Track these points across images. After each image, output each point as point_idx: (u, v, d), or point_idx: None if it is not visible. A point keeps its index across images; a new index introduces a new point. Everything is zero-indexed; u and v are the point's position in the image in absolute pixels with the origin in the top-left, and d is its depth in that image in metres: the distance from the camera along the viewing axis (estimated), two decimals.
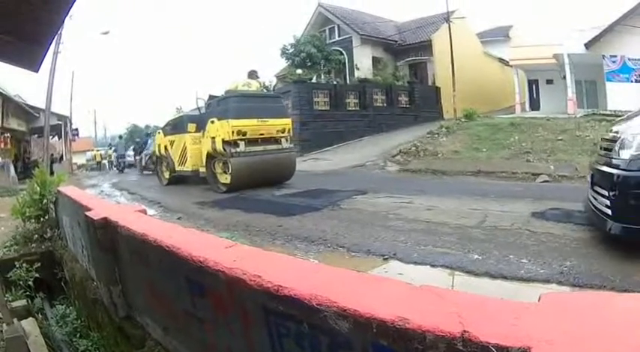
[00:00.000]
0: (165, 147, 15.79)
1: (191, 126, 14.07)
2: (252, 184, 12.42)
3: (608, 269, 4.16)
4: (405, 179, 13.72)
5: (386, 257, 4.99)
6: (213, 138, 12.45)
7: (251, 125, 12.60)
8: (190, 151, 14.26)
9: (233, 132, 12.16)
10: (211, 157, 13.07)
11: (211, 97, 14.20)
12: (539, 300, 1.70)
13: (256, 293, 2.18)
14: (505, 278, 4.09)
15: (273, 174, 13.12)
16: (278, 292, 2.03)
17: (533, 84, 34.87)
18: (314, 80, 32.97)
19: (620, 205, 4.58)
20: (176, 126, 15.21)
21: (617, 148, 4.92)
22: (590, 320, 1.45)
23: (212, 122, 12.64)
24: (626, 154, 4.68)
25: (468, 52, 35.61)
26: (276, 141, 13.42)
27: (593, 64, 26.29)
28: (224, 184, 12.64)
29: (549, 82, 33.26)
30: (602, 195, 4.94)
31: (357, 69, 35.85)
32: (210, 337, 2.94)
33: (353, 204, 8.64)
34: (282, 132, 13.53)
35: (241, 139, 12.37)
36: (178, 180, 15.29)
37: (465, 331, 1.43)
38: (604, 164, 5.17)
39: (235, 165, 12.10)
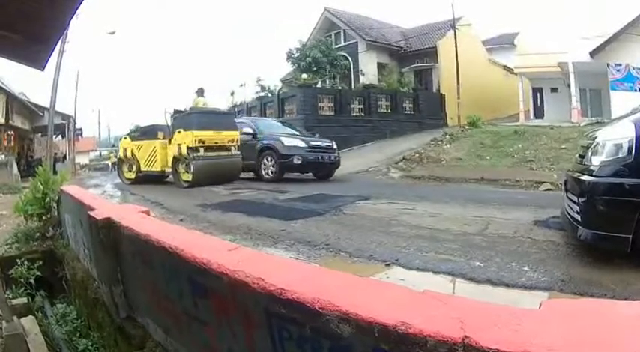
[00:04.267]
0: (132, 151, 18.10)
1: (160, 134, 16.96)
2: (209, 182, 14.92)
3: (608, 278, 4.14)
4: (408, 185, 13.67)
5: (388, 263, 4.96)
6: (179, 144, 15.21)
7: (208, 135, 15.46)
8: (159, 155, 16.82)
9: (195, 140, 15.00)
10: (176, 160, 15.71)
11: (176, 111, 16.74)
12: (540, 307, 1.71)
13: (259, 296, 2.19)
14: (506, 285, 4.06)
15: (224, 175, 15.84)
16: (281, 295, 2.04)
17: (537, 92, 34.82)
18: (319, 85, 32.97)
19: (589, 211, 4.56)
20: (146, 132, 18.15)
21: (589, 155, 4.91)
22: (591, 327, 1.47)
23: (179, 132, 15.34)
24: (596, 161, 4.67)
25: (473, 59, 35.59)
26: (227, 148, 16.25)
27: (597, 73, 26.29)
28: (186, 181, 15.28)
29: (554, 90, 33.24)
30: (573, 202, 4.94)
31: (363, 74, 35.77)
32: (211, 339, 2.95)
33: (356, 209, 8.58)
34: (232, 142, 16.35)
35: (201, 146, 15.17)
36: (144, 180, 17.45)
37: (465, 336, 1.44)
38: (577, 171, 5.17)
39: (196, 166, 14.94)
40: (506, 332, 1.45)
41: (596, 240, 4.53)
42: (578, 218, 4.73)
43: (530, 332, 1.44)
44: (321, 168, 16.30)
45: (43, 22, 4.64)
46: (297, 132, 17.75)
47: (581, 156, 5.35)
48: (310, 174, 16.54)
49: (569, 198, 5.18)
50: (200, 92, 18.31)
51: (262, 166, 15.89)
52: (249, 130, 16.75)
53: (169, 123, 16.55)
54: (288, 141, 15.54)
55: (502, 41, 46.70)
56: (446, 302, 1.76)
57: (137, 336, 4.28)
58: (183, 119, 16.14)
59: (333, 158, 16.34)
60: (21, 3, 4.25)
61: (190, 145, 15.01)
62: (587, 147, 5.07)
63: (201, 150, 15.22)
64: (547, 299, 1.96)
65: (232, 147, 16.50)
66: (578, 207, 4.75)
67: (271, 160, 15.55)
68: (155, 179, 17.21)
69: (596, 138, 4.97)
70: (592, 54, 26.64)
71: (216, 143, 15.80)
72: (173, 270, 3.23)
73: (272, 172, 15.47)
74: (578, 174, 4.96)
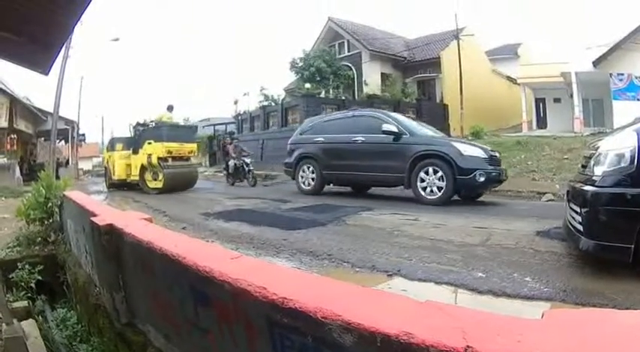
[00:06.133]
0: (107, 161, 20.87)
1: (118, 146, 19.26)
2: (175, 189, 16.76)
3: (610, 288, 4.13)
4: (411, 195, 13.58)
5: (390, 273, 4.94)
6: (150, 154, 16.95)
7: (175, 147, 17.40)
8: (117, 165, 18.89)
9: (165, 151, 16.92)
10: (143, 168, 17.43)
11: (139, 124, 18.79)
12: (542, 317, 1.71)
13: (261, 305, 2.19)
14: (508, 296, 4.06)
15: (186, 182, 17.81)
16: (283, 304, 2.04)
17: (540, 102, 34.90)
18: (322, 95, 33.21)
19: (591, 222, 4.57)
20: (112, 145, 20.36)
21: (591, 165, 4.91)
22: (593, 337, 1.46)
23: (149, 143, 17.12)
24: (599, 171, 4.67)
25: (476, 69, 35.68)
26: (187, 159, 18.57)
27: (600, 83, 26.34)
28: (155, 188, 17.03)
29: (556, 100, 33.30)
30: (576, 212, 4.92)
31: (366, 84, 35.96)
32: (212, 347, 2.94)
33: (358, 219, 8.54)
34: (191, 153, 18.80)
35: (169, 156, 17.09)
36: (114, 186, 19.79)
37: (468, 346, 1.43)
38: (579, 181, 5.16)
39: (167, 174, 16.70)
40: (509, 342, 1.45)
41: (598, 251, 4.53)
42: (581, 228, 4.73)
43: (532, 342, 1.44)
44: (488, 187, 11.91)
45: (48, 27, 4.67)
46: (441, 134, 14.17)
47: (584, 166, 5.37)
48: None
49: (572, 209, 5.17)
50: (170, 108, 19.42)
51: (419, 181, 11.17)
52: (392, 129, 11.94)
53: (134, 135, 18.80)
54: (465, 149, 11.00)
55: (505, 51, 46.93)
56: (448, 313, 1.76)
57: (138, 343, 4.27)
58: (154, 131, 17.81)
59: (505, 174, 12.34)
60: (27, 7, 4.27)
61: (161, 155, 16.86)
62: (590, 158, 5.08)
63: (170, 159, 17.20)
64: (549, 310, 1.96)
65: (192, 158, 19.20)
66: (580, 218, 4.75)
67: (437, 174, 10.80)
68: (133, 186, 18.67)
69: (598, 148, 4.98)
70: (595, 63, 26.69)
71: (180, 154, 17.84)
72: (175, 278, 3.23)
73: (438, 190, 10.78)
74: (581, 184, 4.96)
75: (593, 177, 4.72)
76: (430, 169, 10.89)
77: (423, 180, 11.07)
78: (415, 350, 1.52)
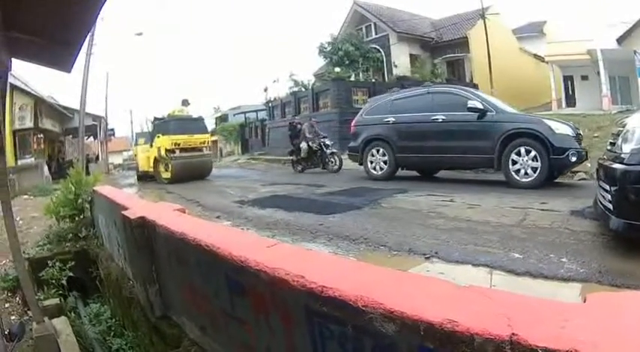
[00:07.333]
0: (136, 155, 23.08)
1: (140, 141, 21.83)
2: (185, 178, 17.84)
3: None
4: (446, 177, 13.38)
5: (427, 256, 4.90)
6: (159, 147, 18.38)
7: (183, 139, 18.53)
8: (140, 159, 21.02)
9: (172, 143, 18.15)
10: (156, 161, 19.06)
11: (156, 119, 20.24)
12: (584, 301, 1.67)
13: (299, 294, 2.17)
14: (546, 277, 4.01)
15: (197, 172, 18.78)
16: (322, 293, 2.02)
17: (568, 80, 34.31)
18: (352, 78, 33.30)
19: (620, 200, 4.47)
20: (136, 140, 23.42)
21: (619, 142, 4.79)
22: (635, 321, 1.43)
23: (158, 136, 18.68)
24: (627, 148, 4.55)
25: (503, 48, 35.34)
26: (200, 149, 19.46)
27: (625, 60, 25.95)
28: (166, 178, 18.43)
29: (584, 78, 32.76)
30: (606, 190, 4.81)
31: (395, 66, 35.85)
32: (249, 337, 2.93)
33: (394, 202, 8.48)
34: (203, 144, 19.63)
35: (177, 148, 18.27)
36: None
37: (513, 334, 1.40)
38: (608, 159, 5.05)
39: (174, 165, 18.05)
40: (553, 328, 1.41)
41: (628, 230, 4.43)
42: (611, 207, 4.64)
43: (576, 328, 1.40)
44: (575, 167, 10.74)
45: (66, 25, 4.64)
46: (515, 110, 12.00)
47: (612, 144, 5.26)
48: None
49: (602, 187, 5.08)
50: (185, 102, 21.30)
51: (510, 163, 10.03)
52: (477, 105, 10.80)
53: (152, 130, 20.48)
54: (557, 127, 9.88)
55: (531, 29, 46.51)
56: (491, 298, 1.72)
57: (173, 335, 4.29)
58: (162, 125, 19.29)
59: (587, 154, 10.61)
60: (44, 7, 4.27)
61: (168, 148, 18.14)
62: (618, 135, 4.98)
63: (177, 151, 18.37)
64: (591, 293, 1.92)
65: (204, 148, 19.80)
66: (610, 196, 4.66)
67: (530, 154, 9.72)
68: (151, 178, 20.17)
69: (626, 125, 4.88)
70: (619, 41, 26.32)
71: (189, 145, 18.86)
72: (210, 268, 3.23)
73: (533, 171, 9.70)
74: (610, 162, 4.86)
75: (622, 155, 4.61)
76: (522, 149, 9.85)
77: (515, 162, 9.99)
78: (459, 337, 1.49)
